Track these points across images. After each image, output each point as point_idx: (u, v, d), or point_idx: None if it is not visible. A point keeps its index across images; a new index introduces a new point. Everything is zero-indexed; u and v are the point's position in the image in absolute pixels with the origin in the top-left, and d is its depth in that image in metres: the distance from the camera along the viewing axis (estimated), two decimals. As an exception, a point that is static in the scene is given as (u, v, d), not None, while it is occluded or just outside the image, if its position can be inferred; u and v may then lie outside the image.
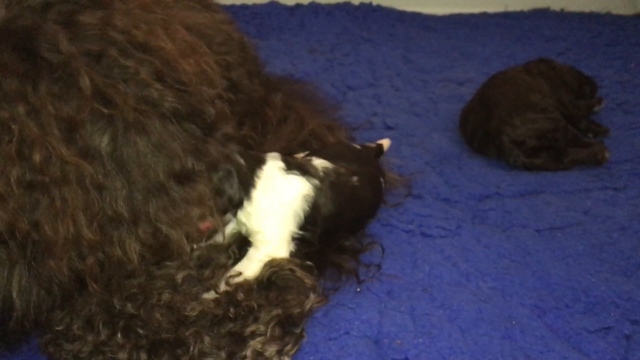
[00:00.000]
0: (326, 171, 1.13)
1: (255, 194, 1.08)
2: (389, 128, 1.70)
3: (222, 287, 1.04)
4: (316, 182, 1.10)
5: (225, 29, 1.46)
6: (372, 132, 1.66)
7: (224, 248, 1.15)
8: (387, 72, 2.09)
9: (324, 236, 1.12)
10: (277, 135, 1.34)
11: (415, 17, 2.59)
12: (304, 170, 1.10)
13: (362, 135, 1.62)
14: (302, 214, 1.08)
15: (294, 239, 1.09)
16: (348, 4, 2.60)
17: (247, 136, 1.30)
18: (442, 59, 2.22)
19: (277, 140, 1.32)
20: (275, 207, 1.07)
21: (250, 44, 1.57)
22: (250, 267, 1.08)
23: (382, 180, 1.26)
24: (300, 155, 1.24)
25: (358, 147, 1.33)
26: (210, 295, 1.03)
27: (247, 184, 1.08)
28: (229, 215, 1.13)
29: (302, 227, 1.10)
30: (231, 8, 2.47)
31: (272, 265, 1.02)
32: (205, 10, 1.48)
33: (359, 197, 1.17)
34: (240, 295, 0.96)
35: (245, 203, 1.09)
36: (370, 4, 2.61)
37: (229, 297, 0.97)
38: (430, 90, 1.96)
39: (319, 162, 1.15)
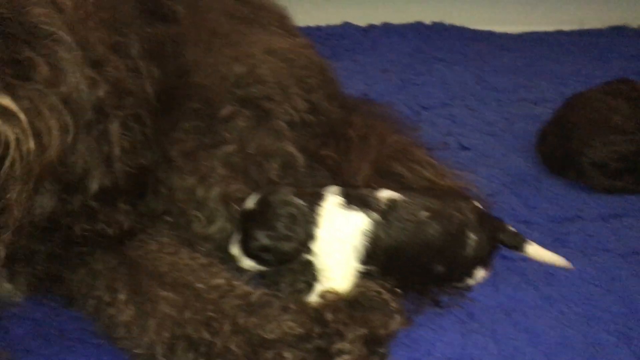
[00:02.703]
0: (391, 203, 1.13)
1: (318, 232, 1.11)
2: (465, 148, 1.71)
3: (301, 305, 1.08)
4: (376, 215, 1.11)
5: (306, 52, 1.52)
6: (448, 153, 1.67)
7: (306, 270, 1.19)
8: (460, 92, 2.10)
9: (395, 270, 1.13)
10: (360, 154, 1.37)
11: (488, 35, 2.58)
12: (365, 203, 1.12)
13: (438, 155, 1.63)
14: (362, 249, 1.09)
15: (360, 272, 1.11)
16: (420, 24, 2.62)
17: (329, 157, 1.34)
18: (516, 78, 2.21)
19: (361, 159, 1.36)
20: (336, 244, 1.10)
21: (329, 66, 1.62)
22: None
23: (466, 231, 1.15)
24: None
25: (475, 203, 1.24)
26: (288, 314, 1.06)
27: (309, 224, 1.11)
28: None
29: (364, 262, 1.11)
30: (306, 30, 2.53)
31: (359, 286, 1.05)
32: (287, 35, 1.54)
33: (425, 233, 1.13)
34: (329, 315, 1.00)
35: (312, 242, 1.12)
36: (442, 23, 2.62)
37: (315, 316, 1.01)
38: (506, 110, 1.95)
39: (385, 194, 1.15)
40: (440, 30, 2.63)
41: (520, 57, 2.40)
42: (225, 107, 1.27)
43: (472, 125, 1.84)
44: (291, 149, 1.30)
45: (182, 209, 1.23)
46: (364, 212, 1.11)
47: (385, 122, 1.58)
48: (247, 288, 1.12)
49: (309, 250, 1.12)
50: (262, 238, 1.11)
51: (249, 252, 1.14)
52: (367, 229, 1.10)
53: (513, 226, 1.36)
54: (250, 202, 1.16)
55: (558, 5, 2.65)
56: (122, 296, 1.09)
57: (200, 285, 1.11)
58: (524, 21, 2.65)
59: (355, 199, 1.13)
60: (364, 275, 1.10)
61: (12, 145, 0.80)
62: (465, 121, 1.87)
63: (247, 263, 1.15)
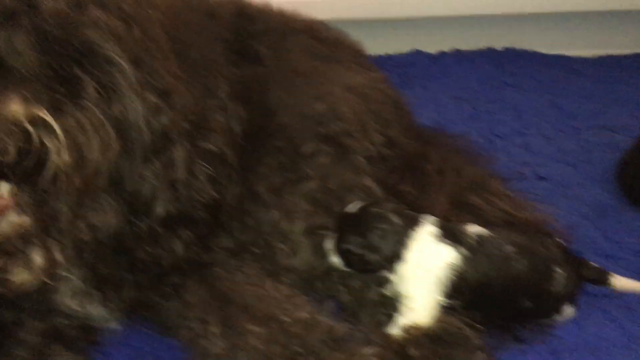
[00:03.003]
0: (479, 239, 1.16)
1: (407, 255, 1.14)
2: (542, 179, 1.70)
3: (384, 339, 1.11)
4: (465, 251, 1.14)
5: (381, 87, 1.57)
6: (525, 183, 1.66)
7: (387, 301, 1.22)
8: (535, 119, 2.08)
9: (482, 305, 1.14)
10: (438, 187, 1.40)
11: (561, 60, 2.55)
12: (456, 237, 1.15)
13: (513, 186, 1.63)
14: (447, 283, 1.12)
15: (442, 306, 1.14)
16: (491, 50, 2.62)
17: (407, 191, 1.38)
18: (592, 104, 2.17)
19: (438, 192, 1.38)
20: (422, 272, 1.13)
21: (403, 99, 1.66)
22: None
23: (553, 266, 1.17)
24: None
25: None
26: (372, 349, 1.10)
27: (399, 243, 1.15)
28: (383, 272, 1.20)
29: (448, 296, 1.14)
30: (377, 58, 2.57)
31: (441, 321, 1.07)
32: (363, 70, 1.59)
33: (512, 269, 1.15)
34: (413, 351, 1.02)
35: (397, 263, 1.15)
36: (513, 48, 2.61)
37: (399, 351, 1.04)
38: (582, 138, 1.93)
39: (474, 229, 1.18)
40: (511, 56, 2.62)
41: (596, 82, 2.36)
42: (307, 144, 1.33)
43: (548, 155, 1.83)
44: (370, 183, 1.35)
45: (268, 241, 1.29)
46: (454, 246, 1.14)
47: (461, 154, 1.60)
48: (330, 322, 1.17)
49: (392, 269, 1.16)
50: (351, 242, 1.18)
51: (338, 251, 1.20)
52: (455, 263, 1.13)
53: (595, 260, 1.35)
54: (353, 207, 1.23)
55: (635, 27, 2.59)
56: (213, 328, 1.15)
57: (285, 319, 1.16)
58: (598, 44, 2.61)
59: (448, 233, 1.16)
60: (445, 310, 1.13)
61: (52, 157, 0.86)
62: (541, 150, 1.86)
63: (335, 260, 1.22)
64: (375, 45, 2.64)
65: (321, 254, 1.27)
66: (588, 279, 1.22)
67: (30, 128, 0.84)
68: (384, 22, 2.62)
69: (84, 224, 1.03)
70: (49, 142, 0.85)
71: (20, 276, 0.96)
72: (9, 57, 0.85)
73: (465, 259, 1.14)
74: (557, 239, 1.23)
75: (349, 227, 1.20)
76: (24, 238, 0.92)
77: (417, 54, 2.70)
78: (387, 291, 1.23)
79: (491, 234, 1.18)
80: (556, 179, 1.69)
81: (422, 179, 1.42)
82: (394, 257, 1.16)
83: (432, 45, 2.65)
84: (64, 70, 0.90)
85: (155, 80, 1.02)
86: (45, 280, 1.04)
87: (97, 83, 0.94)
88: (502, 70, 2.52)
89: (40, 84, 0.87)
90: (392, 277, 1.17)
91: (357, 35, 2.39)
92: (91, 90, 0.93)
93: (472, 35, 2.66)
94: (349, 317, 1.27)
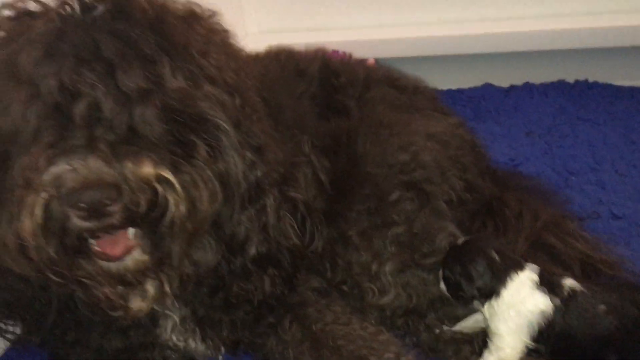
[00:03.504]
0: (572, 293, 1.24)
1: (504, 293, 1.24)
2: (617, 217, 1.75)
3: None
4: (558, 301, 1.22)
5: (458, 132, 1.67)
6: (599, 223, 1.72)
7: (469, 339, 1.32)
8: (609, 155, 2.12)
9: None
10: (516, 231, 1.49)
11: (635, 92, 2.56)
12: (552, 287, 1.24)
13: (588, 226, 1.69)
14: (536, 328, 1.21)
15: (527, 348, 1.23)
16: (563, 83, 2.66)
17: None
18: (668, 138, 2.19)
19: (517, 235, 1.47)
20: (514, 314, 1.22)
21: (479, 142, 1.75)
22: None
23: None
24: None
25: None
26: None
27: (499, 281, 1.25)
28: (476, 304, 1.30)
29: (535, 340, 1.23)
30: (448, 92, 2.67)
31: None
32: (440, 116, 1.70)
33: (600, 327, 1.22)
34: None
35: (494, 298, 1.25)
36: (586, 81, 2.64)
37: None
38: (657, 174, 1.96)
39: (568, 282, 1.26)
40: (583, 89, 2.65)
41: (670, 114, 2.38)
42: (393, 192, 1.45)
43: (622, 192, 1.88)
44: (452, 227, 1.45)
45: (358, 281, 1.42)
46: (550, 296, 1.23)
47: (536, 195, 1.68)
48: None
49: (486, 303, 1.26)
50: (451, 270, 1.30)
51: (444, 277, 1.33)
52: (547, 311, 1.22)
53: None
54: (461, 240, 1.36)
55: None
56: None
57: (373, 359, 1.27)
58: (673, 75, 2.61)
59: (547, 282, 1.25)
60: (530, 353, 1.21)
61: (171, 208, 1.01)
62: (616, 187, 1.90)
63: (441, 285, 1.35)
64: (448, 80, 2.74)
65: (408, 292, 1.39)
66: None
67: (158, 187, 1.00)
68: (456, 58, 2.72)
69: (188, 260, 1.18)
70: (169, 197, 1.02)
71: (136, 304, 1.12)
72: (141, 127, 1.02)
73: (557, 309, 1.22)
74: None
75: (454, 256, 1.33)
76: (142, 272, 1.09)
77: (488, 87, 2.77)
78: (473, 326, 1.34)
79: (585, 290, 1.25)
80: (631, 218, 1.73)
81: (502, 222, 1.51)
82: (488, 292, 1.26)
83: (503, 79, 2.72)
84: (181, 136, 1.06)
85: (251, 139, 1.16)
86: (156, 308, 1.22)
87: (206, 145, 1.09)
88: (574, 103, 2.56)
89: (164, 148, 1.04)
90: (485, 311, 1.26)
91: (431, 71, 2.52)
92: (202, 151, 1.08)
93: (543, 68, 2.70)
94: (432, 353, 1.39)
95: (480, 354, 1.28)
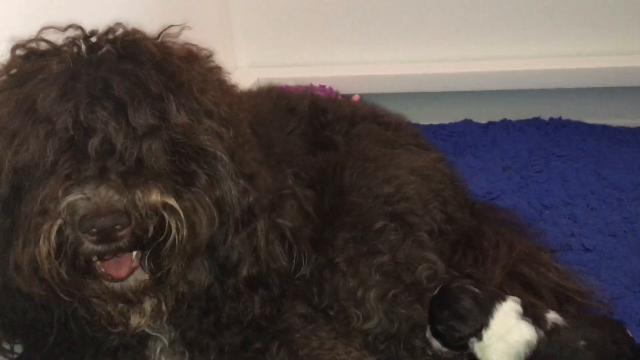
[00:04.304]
0: (554, 327, 1.30)
1: (493, 324, 1.30)
2: (587, 250, 1.84)
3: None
4: (542, 333, 1.29)
5: (439, 167, 1.76)
6: (571, 255, 1.82)
7: (452, 361, 1.40)
8: (581, 190, 2.22)
9: None
10: (493, 261, 1.58)
11: (606, 130, 2.68)
12: (536, 319, 1.30)
13: (561, 257, 1.78)
14: (523, 357, 1.27)
15: None
16: (538, 120, 2.77)
17: (468, 265, 1.56)
18: (635, 175, 2.29)
19: (494, 266, 1.56)
20: (501, 344, 1.29)
21: (458, 176, 1.85)
22: None
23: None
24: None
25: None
26: None
27: (486, 312, 1.31)
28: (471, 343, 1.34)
29: None
30: (429, 127, 2.78)
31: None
32: (422, 152, 1.80)
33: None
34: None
35: (484, 331, 1.31)
36: (559, 118, 2.76)
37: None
38: (626, 210, 2.06)
39: (551, 316, 1.33)
40: (557, 126, 2.77)
41: (638, 152, 2.48)
42: (377, 221, 1.53)
43: (593, 226, 1.97)
44: (433, 257, 1.54)
45: (344, 307, 1.49)
46: (534, 326, 1.29)
47: (512, 228, 1.78)
48: None
49: (480, 337, 1.30)
50: (440, 319, 1.33)
51: (435, 332, 1.35)
52: (531, 341, 1.28)
53: (638, 331, 1.49)
54: (435, 292, 1.39)
55: (676, 97, 2.72)
56: None
57: None
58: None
59: (530, 314, 1.31)
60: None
61: (173, 232, 1.09)
62: (587, 221, 2.00)
63: (435, 343, 1.37)
64: (429, 115, 2.86)
65: (391, 318, 1.47)
66: None
67: (164, 213, 1.08)
68: (437, 94, 2.84)
69: (183, 281, 1.25)
70: (173, 222, 1.10)
71: (135, 320, 1.20)
72: (149, 159, 1.11)
73: (540, 339, 1.28)
74: (627, 333, 1.34)
75: (436, 307, 1.36)
76: (142, 291, 1.16)
77: (467, 123, 2.88)
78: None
79: (566, 324, 1.31)
80: (601, 251, 1.83)
81: (480, 253, 1.60)
82: (479, 326, 1.31)
83: (482, 115, 2.84)
84: (183, 166, 1.15)
85: (244, 168, 1.25)
86: (148, 326, 1.27)
87: (205, 174, 1.18)
88: (549, 140, 2.67)
89: (168, 177, 1.12)
90: (476, 345, 1.31)
91: (413, 106, 2.63)
92: (202, 179, 1.17)
93: (519, 105, 2.83)
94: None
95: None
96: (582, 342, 1.28)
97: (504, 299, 1.33)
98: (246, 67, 2.93)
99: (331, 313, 1.51)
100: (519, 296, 1.42)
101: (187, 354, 1.37)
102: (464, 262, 1.58)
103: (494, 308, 1.31)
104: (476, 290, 1.33)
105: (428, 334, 1.38)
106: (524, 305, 1.33)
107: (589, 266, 1.75)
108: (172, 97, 1.12)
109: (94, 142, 1.05)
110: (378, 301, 1.46)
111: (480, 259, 1.59)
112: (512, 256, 1.63)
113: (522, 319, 1.30)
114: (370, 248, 1.51)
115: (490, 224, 1.75)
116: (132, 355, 1.35)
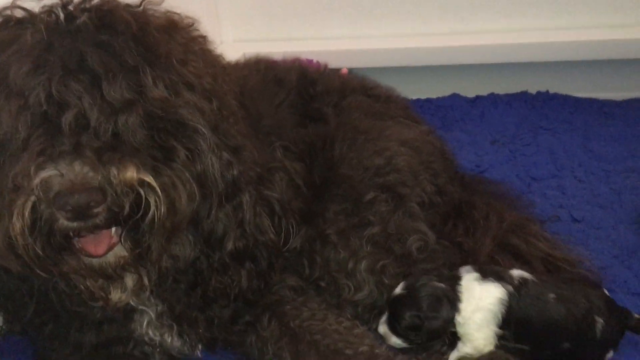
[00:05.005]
0: (522, 281, 1.33)
1: (462, 305, 1.32)
2: (576, 221, 1.86)
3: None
4: (510, 288, 1.31)
5: (429, 139, 1.76)
6: (559, 225, 1.83)
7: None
8: (568, 162, 2.24)
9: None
10: (484, 232, 1.58)
11: (593, 103, 2.69)
12: (499, 276, 1.33)
13: (550, 228, 1.79)
14: (500, 315, 1.30)
15: (498, 336, 1.31)
16: (525, 93, 2.77)
17: (458, 235, 1.56)
18: (622, 148, 2.31)
19: (484, 236, 1.56)
20: (477, 311, 1.30)
21: (448, 150, 1.85)
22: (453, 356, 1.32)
23: (594, 316, 1.30)
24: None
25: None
26: None
27: (454, 301, 1.33)
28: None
29: (501, 327, 1.31)
30: (417, 102, 2.77)
31: (492, 353, 1.25)
32: (412, 124, 1.79)
33: (551, 313, 1.30)
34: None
35: (456, 315, 1.33)
36: (547, 92, 2.76)
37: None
38: (612, 181, 2.08)
39: (517, 272, 1.35)
40: (545, 99, 2.77)
41: (625, 125, 2.50)
42: (368, 193, 1.53)
43: (581, 197, 1.99)
44: (424, 228, 1.54)
45: (335, 278, 1.49)
46: (500, 283, 1.31)
47: (502, 200, 1.78)
48: (389, 353, 1.36)
49: (454, 325, 1.33)
50: (408, 318, 1.34)
51: (397, 332, 1.37)
52: (503, 297, 1.30)
53: (626, 299, 1.51)
54: (399, 289, 1.39)
55: (664, 71, 2.73)
56: None
57: (349, 352, 1.34)
58: (627, 87, 2.75)
59: (490, 273, 1.34)
60: (501, 340, 1.30)
61: (152, 208, 1.07)
62: (575, 192, 2.01)
63: (395, 341, 1.38)
64: (417, 90, 2.85)
65: (381, 289, 1.47)
66: (631, 329, 1.35)
67: (141, 190, 1.06)
68: (425, 68, 2.82)
69: (167, 255, 1.24)
70: (150, 199, 1.08)
71: (116, 295, 1.19)
72: (125, 134, 1.07)
73: (511, 295, 1.30)
74: (603, 291, 1.37)
75: (402, 306, 1.37)
76: (122, 266, 1.14)
77: (455, 97, 2.88)
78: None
79: (534, 279, 1.34)
80: (589, 221, 1.84)
81: (471, 224, 1.60)
82: (453, 315, 1.32)
83: (470, 89, 2.83)
84: (162, 141, 1.12)
85: (228, 140, 1.23)
86: (133, 300, 1.26)
87: (185, 148, 1.15)
88: (536, 113, 2.68)
89: (145, 153, 1.10)
90: (458, 319, 1.32)
91: (401, 80, 2.61)
92: (181, 155, 1.15)
93: (507, 79, 2.82)
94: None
95: (451, 346, 1.36)
96: (552, 295, 1.31)
97: (460, 278, 1.35)
98: (231, 42, 2.89)
99: (322, 284, 1.51)
100: (510, 266, 1.43)
101: (175, 327, 1.36)
102: (454, 233, 1.59)
103: (458, 290, 1.33)
104: (437, 283, 1.34)
105: (384, 329, 1.39)
106: (479, 269, 1.35)
107: (577, 237, 1.76)
108: (148, 69, 1.08)
109: (67, 117, 1.02)
110: (369, 272, 1.46)
111: (470, 229, 1.60)
112: (502, 227, 1.64)
113: (485, 280, 1.32)
114: (361, 220, 1.50)
115: (480, 196, 1.75)
116: (117, 328, 1.35)
